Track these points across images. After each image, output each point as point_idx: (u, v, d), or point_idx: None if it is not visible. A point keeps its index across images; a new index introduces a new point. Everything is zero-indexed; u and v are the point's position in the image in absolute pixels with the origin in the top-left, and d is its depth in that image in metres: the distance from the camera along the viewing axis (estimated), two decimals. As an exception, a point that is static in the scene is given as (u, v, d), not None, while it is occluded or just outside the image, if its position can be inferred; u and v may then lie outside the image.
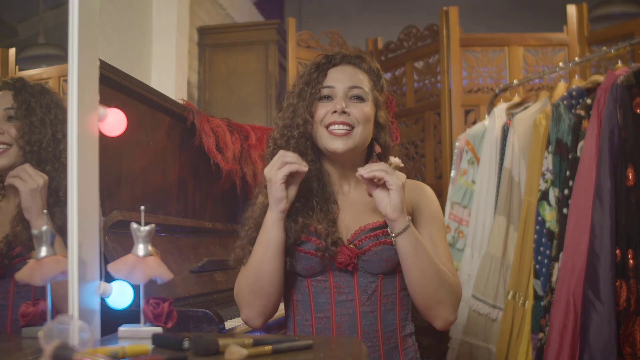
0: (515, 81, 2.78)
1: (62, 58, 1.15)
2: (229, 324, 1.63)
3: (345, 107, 1.32)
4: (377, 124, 1.39)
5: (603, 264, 1.77)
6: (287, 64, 3.41)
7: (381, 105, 1.41)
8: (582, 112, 2.01)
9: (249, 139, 2.37)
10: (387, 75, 3.61)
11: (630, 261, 1.75)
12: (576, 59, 2.55)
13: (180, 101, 2.16)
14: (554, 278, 1.98)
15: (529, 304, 2.09)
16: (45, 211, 1.10)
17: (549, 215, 2.08)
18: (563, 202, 2.01)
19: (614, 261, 1.77)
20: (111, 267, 1.06)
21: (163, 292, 1.59)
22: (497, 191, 2.39)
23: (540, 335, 1.99)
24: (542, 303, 2.03)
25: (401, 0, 5.43)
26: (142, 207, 1.08)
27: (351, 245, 1.30)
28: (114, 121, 1.17)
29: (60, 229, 1.10)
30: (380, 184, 1.25)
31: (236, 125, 2.37)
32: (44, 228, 1.05)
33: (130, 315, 1.13)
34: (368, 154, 1.41)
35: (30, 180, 1.20)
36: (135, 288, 1.11)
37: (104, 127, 1.15)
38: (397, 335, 1.32)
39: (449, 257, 1.39)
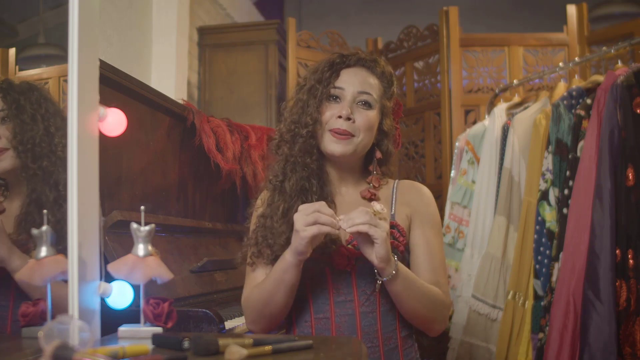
0: (515, 81, 2.78)
1: (62, 58, 1.15)
2: (229, 324, 1.63)
3: (350, 114, 1.31)
4: (381, 131, 1.39)
5: (603, 264, 1.77)
6: (287, 64, 3.41)
7: (388, 112, 1.40)
8: (582, 112, 2.01)
9: (249, 139, 2.37)
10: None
11: (630, 261, 1.75)
12: (576, 59, 2.55)
13: (180, 101, 2.15)
14: (554, 278, 1.98)
15: (529, 304, 2.09)
16: (45, 211, 1.09)
17: (549, 215, 2.08)
18: (563, 202, 2.01)
19: (614, 261, 1.77)
20: (111, 267, 1.06)
21: (163, 292, 1.59)
22: (497, 191, 2.39)
23: (540, 335, 1.99)
24: (542, 303, 2.03)
25: (401, 0, 5.43)
26: (142, 207, 1.08)
27: (349, 246, 1.30)
28: (114, 121, 1.16)
29: (62, 223, 1.10)
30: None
31: (236, 125, 2.37)
32: (44, 228, 1.05)
33: (130, 315, 1.13)
34: (369, 158, 1.42)
35: None
36: (135, 288, 1.11)
37: (104, 127, 1.15)
38: (397, 336, 1.32)
39: (442, 263, 1.39)
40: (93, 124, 1.08)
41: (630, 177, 1.80)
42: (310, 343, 0.99)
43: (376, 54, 3.62)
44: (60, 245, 1.05)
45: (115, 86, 1.70)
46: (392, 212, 1.37)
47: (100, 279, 1.07)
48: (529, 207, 2.17)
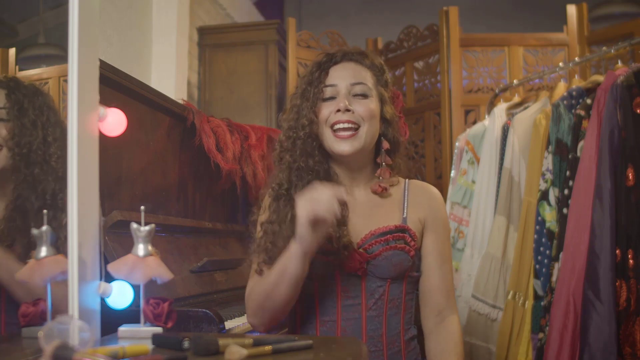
0: (515, 81, 2.78)
1: (62, 58, 1.15)
2: (229, 324, 1.62)
3: (348, 105, 1.29)
4: (383, 120, 1.36)
5: (603, 264, 1.77)
6: (287, 64, 3.41)
7: (387, 100, 1.37)
8: (582, 112, 2.01)
9: (249, 139, 2.37)
10: (387, 75, 3.61)
11: (630, 261, 1.75)
12: (576, 59, 2.55)
13: (180, 101, 2.15)
14: (554, 278, 1.98)
15: (529, 304, 2.09)
16: (45, 211, 1.09)
17: (549, 215, 2.08)
18: (563, 202, 2.01)
19: (614, 261, 1.77)
20: (111, 267, 1.06)
21: (163, 292, 1.59)
22: (497, 191, 2.38)
23: (540, 335, 1.98)
24: (542, 303, 2.02)
25: (401, 0, 5.43)
26: (142, 207, 1.08)
27: (361, 250, 1.28)
28: (114, 121, 1.16)
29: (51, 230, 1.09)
30: None
31: (236, 125, 2.37)
32: (44, 228, 1.05)
33: (130, 315, 1.13)
34: (376, 152, 1.39)
35: None
36: (135, 288, 1.11)
37: (104, 127, 1.15)
38: (400, 339, 1.31)
39: (451, 269, 1.39)
40: (93, 124, 1.08)
41: (630, 177, 1.79)
42: (310, 343, 0.99)
43: (376, 53, 3.63)
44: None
45: (115, 86, 1.70)
46: (404, 215, 1.35)
47: (100, 279, 1.07)
48: (529, 207, 2.17)
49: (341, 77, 1.34)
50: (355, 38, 3.88)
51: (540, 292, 2.06)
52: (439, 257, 1.36)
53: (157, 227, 1.13)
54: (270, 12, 4.77)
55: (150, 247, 1.07)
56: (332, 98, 1.33)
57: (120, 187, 1.75)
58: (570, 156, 2.02)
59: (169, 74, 3.01)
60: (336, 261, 1.26)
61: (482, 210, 2.45)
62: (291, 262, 1.19)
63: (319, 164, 1.31)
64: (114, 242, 1.56)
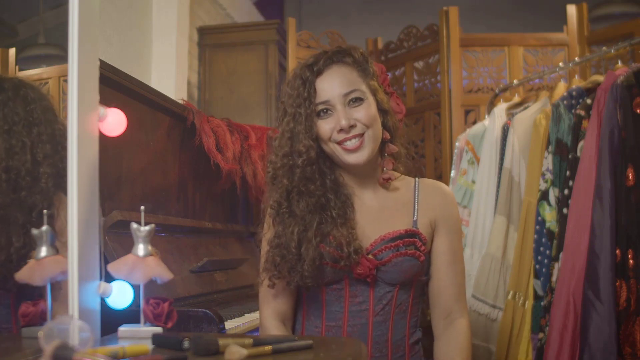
0: (515, 81, 2.78)
1: (62, 58, 1.15)
2: (229, 324, 1.62)
3: (350, 122, 1.25)
4: (380, 111, 1.32)
5: (603, 264, 1.77)
6: (287, 64, 3.41)
7: (378, 89, 1.33)
8: (582, 112, 2.01)
9: (249, 139, 2.37)
10: (387, 75, 3.61)
11: (630, 261, 1.75)
12: (576, 59, 2.55)
13: (180, 101, 2.15)
14: (554, 278, 1.98)
15: (529, 304, 2.09)
16: (45, 211, 1.09)
17: (549, 215, 2.08)
18: (563, 202, 2.01)
19: (614, 261, 1.77)
20: (111, 267, 1.06)
21: (163, 292, 1.59)
22: (497, 191, 2.38)
23: (540, 335, 1.98)
24: (542, 303, 2.02)
25: (401, 0, 5.43)
26: (142, 207, 1.08)
27: (370, 256, 1.26)
28: (114, 121, 1.16)
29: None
30: None
31: (236, 125, 2.37)
32: (44, 228, 1.05)
33: (130, 315, 1.13)
34: (380, 146, 1.35)
35: None
36: (135, 288, 1.11)
37: (104, 127, 1.15)
38: (405, 344, 1.30)
39: (463, 270, 1.39)
40: (93, 124, 1.08)
41: (630, 177, 1.79)
42: (310, 343, 0.99)
43: (376, 53, 3.63)
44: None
45: (115, 86, 1.70)
46: (415, 219, 1.33)
47: (100, 279, 1.07)
48: (529, 207, 2.17)
49: (331, 88, 1.27)
50: (355, 38, 3.87)
51: (540, 292, 2.05)
52: (450, 258, 1.35)
53: (157, 227, 1.13)
54: (270, 12, 4.77)
55: (150, 247, 1.07)
56: (327, 112, 1.28)
57: (120, 187, 1.75)
58: (570, 156, 2.02)
59: (169, 74, 3.01)
60: (345, 267, 1.24)
61: (482, 210, 2.45)
62: None
63: (320, 188, 1.27)
64: (114, 242, 1.56)
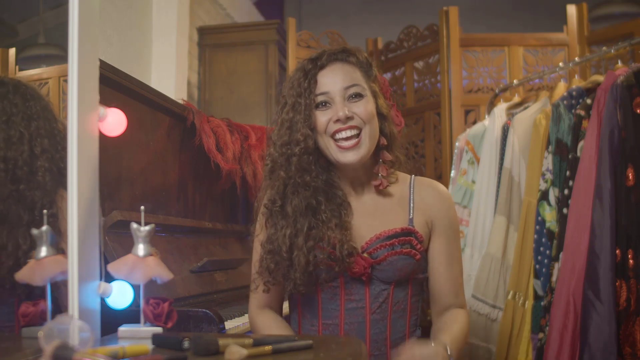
0: (515, 81, 2.78)
1: (62, 58, 1.15)
2: (229, 324, 1.62)
3: (348, 113, 1.25)
4: (379, 115, 1.32)
5: (603, 264, 1.77)
6: (287, 64, 3.41)
7: (379, 94, 1.34)
8: (582, 112, 2.01)
9: (249, 139, 2.37)
10: (387, 75, 3.61)
11: (630, 261, 1.75)
12: (576, 59, 2.55)
13: (180, 101, 2.15)
14: (554, 278, 1.98)
15: (529, 304, 2.09)
16: (45, 211, 1.09)
17: (549, 215, 2.08)
18: (563, 202, 2.01)
19: (614, 261, 1.77)
20: (111, 267, 1.06)
21: (163, 292, 1.59)
22: (497, 191, 2.38)
23: (540, 335, 1.98)
24: (542, 303, 2.02)
25: (401, 0, 5.43)
26: (142, 207, 1.08)
27: (365, 254, 1.26)
28: (114, 121, 1.16)
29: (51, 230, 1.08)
30: None
31: (236, 125, 2.37)
32: (44, 228, 1.05)
33: (130, 315, 1.13)
34: (376, 149, 1.34)
35: None
36: (135, 288, 1.11)
37: (104, 127, 1.15)
38: (405, 342, 1.29)
39: (461, 270, 1.38)
40: (93, 124, 1.09)
41: (630, 177, 1.79)
42: (310, 343, 0.99)
43: (376, 53, 3.63)
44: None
45: (115, 86, 1.70)
46: (410, 217, 1.32)
47: (100, 279, 1.07)
48: (529, 207, 2.17)
49: (332, 82, 1.28)
50: (355, 38, 3.88)
51: (540, 292, 2.06)
52: (448, 259, 1.34)
53: (157, 227, 1.13)
54: (270, 12, 4.77)
55: (150, 247, 1.07)
56: (326, 104, 1.28)
57: (120, 187, 1.75)
58: (570, 156, 2.02)
59: (169, 74, 3.01)
60: (340, 266, 1.24)
61: (482, 210, 2.45)
62: None
63: (316, 179, 1.27)
64: (114, 242, 1.56)
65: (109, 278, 1.08)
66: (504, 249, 2.28)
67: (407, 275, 1.28)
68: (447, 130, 3.21)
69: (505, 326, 2.14)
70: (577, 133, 2.02)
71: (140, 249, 1.07)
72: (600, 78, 2.11)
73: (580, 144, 1.99)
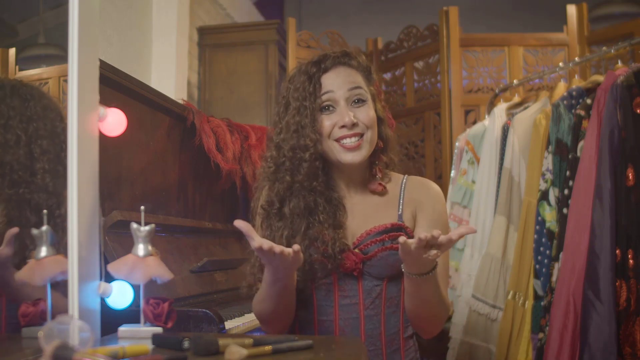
0: (515, 81, 2.78)
1: (62, 58, 1.15)
2: (229, 324, 1.63)
3: (353, 119, 1.27)
4: (378, 119, 1.35)
5: (603, 264, 1.77)
6: (287, 64, 3.41)
7: (376, 98, 1.37)
8: (582, 112, 2.01)
9: (249, 139, 2.37)
10: (387, 75, 3.62)
11: (630, 261, 1.75)
12: (576, 59, 2.55)
13: (180, 101, 2.16)
14: (554, 278, 1.98)
15: (529, 304, 2.09)
16: (45, 211, 1.09)
17: (549, 215, 2.08)
18: (563, 202, 2.01)
19: (614, 261, 1.77)
20: (111, 267, 1.06)
21: (163, 292, 1.59)
22: (497, 191, 2.38)
23: (540, 335, 1.98)
24: (542, 303, 2.02)
25: (401, 0, 5.43)
26: (142, 207, 1.08)
27: (356, 250, 1.28)
28: (114, 121, 1.17)
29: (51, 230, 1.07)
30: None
31: (236, 125, 2.37)
32: (44, 228, 1.05)
33: (130, 315, 1.13)
34: (373, 153, 1.36)
35: None
36: (135, 288, 1.11)
37: (104, 127, 1.15)
38: (399, 338, 1.31)
39: (446, 265, 1.37)
40: (93, 124, 1.09)
41: (630, 177, 1.79)
42: (310, 343, 0.99)
43: (376, 53, 3.63)
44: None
45: (115, 86, 1.70)
46: (399, 212, 1.34)
47: (100, 279, 1.07)
48: (529, 207, 2.17)
49: (337, 85, 1.30)
50: (355, 38, 3.88)
51: (540, 292, 2.05)
52: None
53: (157, 227, 1.13)
54: (270, 12, 4.77)
55: (150, 247, 1.07)
56: (330, 108, 1.30)
57: (120, 187, 1.75)
58: (570, 156, 2.02)
59: (169, 74, 3.01)
60: (332, 264, 1.26)
61: (482, 210, 2.45)
62: (270, 287, 1.22)
63: (321, 184, 1.29)
64: (114, 242, 1.56)
65: (109, 278, 1.08)
66: (504, 249, 2.28)
67: (398, 271, 1.29)
68: (447, 130, 3.21)
69: (505, 326, 2.14)
70: (577, 133, 2.02)
71: (140, 249, 1.07)
72: (600, 78, 2.11)
73: (580, 144, 1.99)
